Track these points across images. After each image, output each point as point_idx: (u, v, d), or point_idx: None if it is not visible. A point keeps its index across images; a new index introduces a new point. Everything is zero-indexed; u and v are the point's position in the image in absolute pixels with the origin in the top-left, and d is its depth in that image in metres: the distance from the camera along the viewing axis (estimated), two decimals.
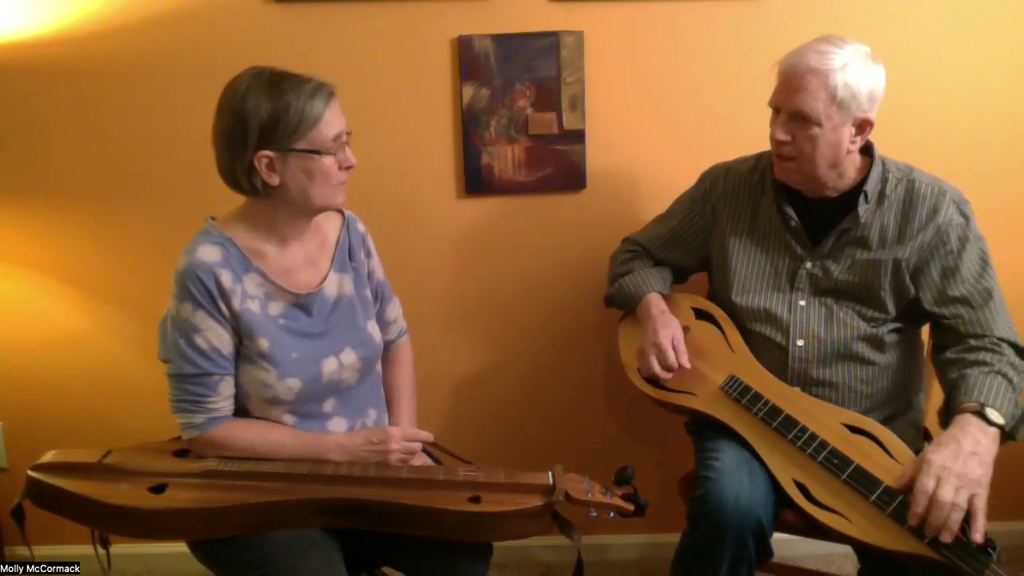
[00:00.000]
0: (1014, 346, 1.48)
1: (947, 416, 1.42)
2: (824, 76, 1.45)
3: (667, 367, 1.61)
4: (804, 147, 1.50)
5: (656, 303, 1.71)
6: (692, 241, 1.77)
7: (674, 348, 1.62)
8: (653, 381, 1.66)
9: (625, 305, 1.79)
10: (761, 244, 1.66)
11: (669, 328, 1.64)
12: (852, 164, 1.57)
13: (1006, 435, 1.37)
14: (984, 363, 1.43)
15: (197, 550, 1.43)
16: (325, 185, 1.38)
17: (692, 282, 1.90)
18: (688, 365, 1.62)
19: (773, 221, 1.64)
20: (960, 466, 1.28)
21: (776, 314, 1.61)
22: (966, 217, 1.54)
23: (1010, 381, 1.41)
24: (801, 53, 1.49)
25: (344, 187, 1.42)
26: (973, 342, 1.48)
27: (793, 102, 1.48)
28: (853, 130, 1.50)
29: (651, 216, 1.89)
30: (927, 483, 1.27)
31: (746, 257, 1.66)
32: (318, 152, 1.35)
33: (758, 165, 1.70)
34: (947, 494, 1.26)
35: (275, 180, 1.35)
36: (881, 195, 1.56)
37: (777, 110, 1.53)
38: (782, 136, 1.51)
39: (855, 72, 1.45)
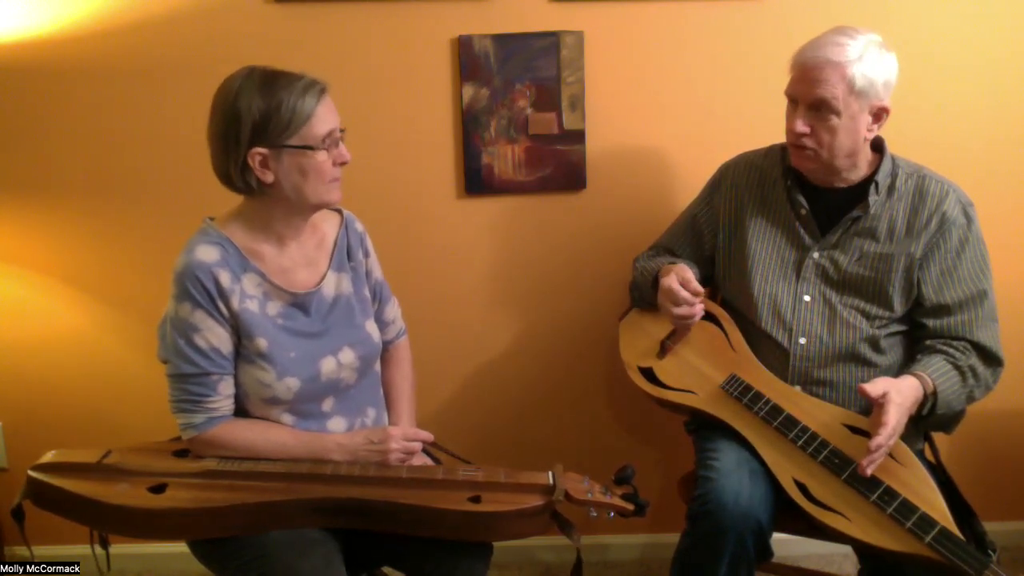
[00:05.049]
0: (987, 352, 1.53)
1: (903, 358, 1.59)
2: (842, 68, 1.46)
3: (684, 302, 1.57)
4: (823, 137, 1.51)
5: (664, 271, 1.66)
6: (704, 231, 1.76)
7: (683, 285, 1.57)
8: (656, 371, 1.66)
9: (643, 283, 1.74)
10: (770, 231, 1.66)
11: (672, 274, 1.60)
12: (864, 157, 1.58)
13: (931, 418, 1.49)
14: (951, 356, 1.51)
15: (197, 550, 1.43)
16: (319, 182, 1.38)
17: None
18: (701, 290, 1.58)
19: (783, 208, 1.65)
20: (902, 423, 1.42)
21: (781, 307, 1.61)
22: (969, 219, 1.55)
23: (964, 381, 1.50)
24: (817, 46, 1.50)
25: (339, 184, 1.42)
26: (953, 341, 1.53)
27: (812, 94, 1.49)
28: (870, 118, 1.51)
29: (651, 216, 1.88)
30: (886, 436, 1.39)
31: (755, 243, 1.66)
32: (311, 148, 1.35)
33: (770, 153, 1.72)
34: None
35: (269, 178, 1.36)
36: (891, 188, 1.57)
37: (794, 101, 1.54)
38: (801, 128, 1.52)
39: (871, 62, 1.47)
